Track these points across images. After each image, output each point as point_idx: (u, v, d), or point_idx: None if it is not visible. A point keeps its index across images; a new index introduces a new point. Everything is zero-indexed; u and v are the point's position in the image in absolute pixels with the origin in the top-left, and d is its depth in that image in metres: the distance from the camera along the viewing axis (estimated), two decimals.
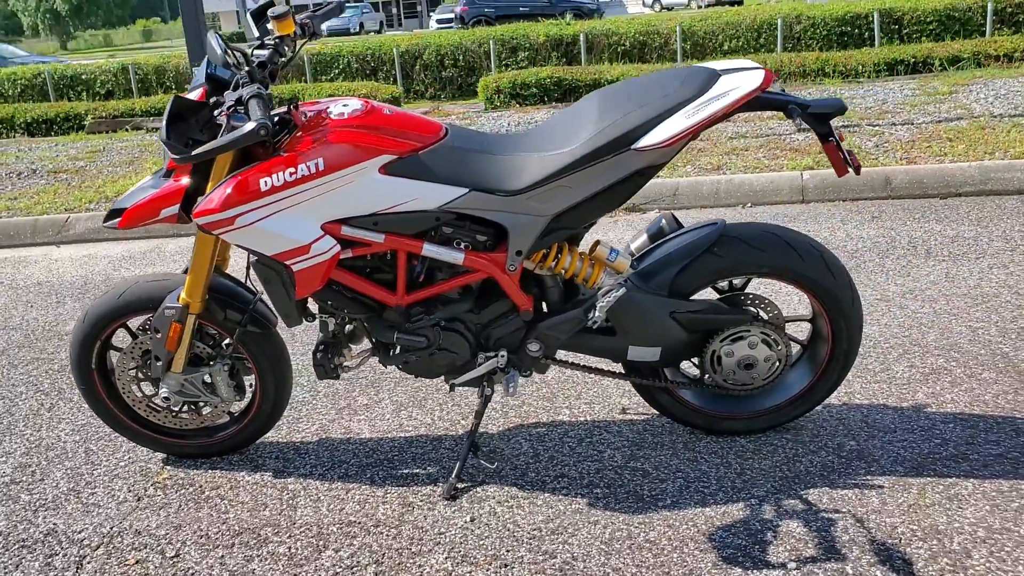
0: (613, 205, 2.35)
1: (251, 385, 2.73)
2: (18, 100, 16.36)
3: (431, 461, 2.69)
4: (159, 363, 2.56)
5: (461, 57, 15.93)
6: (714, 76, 2.25)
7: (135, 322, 2.68)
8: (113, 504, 2.60)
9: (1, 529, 2.52)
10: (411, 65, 16.20)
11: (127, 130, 11.70)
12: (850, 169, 2.31)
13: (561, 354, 2.66)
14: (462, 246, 2.38)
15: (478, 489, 2.52)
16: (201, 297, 2.49)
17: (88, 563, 2.33)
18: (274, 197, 2.22)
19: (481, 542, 2.28)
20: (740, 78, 2.23)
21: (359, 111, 2.29)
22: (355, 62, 16.25)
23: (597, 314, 2.37)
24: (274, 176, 2.21)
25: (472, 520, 2.38)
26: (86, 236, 5.94)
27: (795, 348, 2.76)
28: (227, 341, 2.64)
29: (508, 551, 2.24)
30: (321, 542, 2.34)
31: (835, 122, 2.60)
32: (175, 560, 2.31)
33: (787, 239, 2.43)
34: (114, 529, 2.47)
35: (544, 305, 2.52)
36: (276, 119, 2.04)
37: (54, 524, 2.52)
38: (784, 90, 2.39)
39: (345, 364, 2.61)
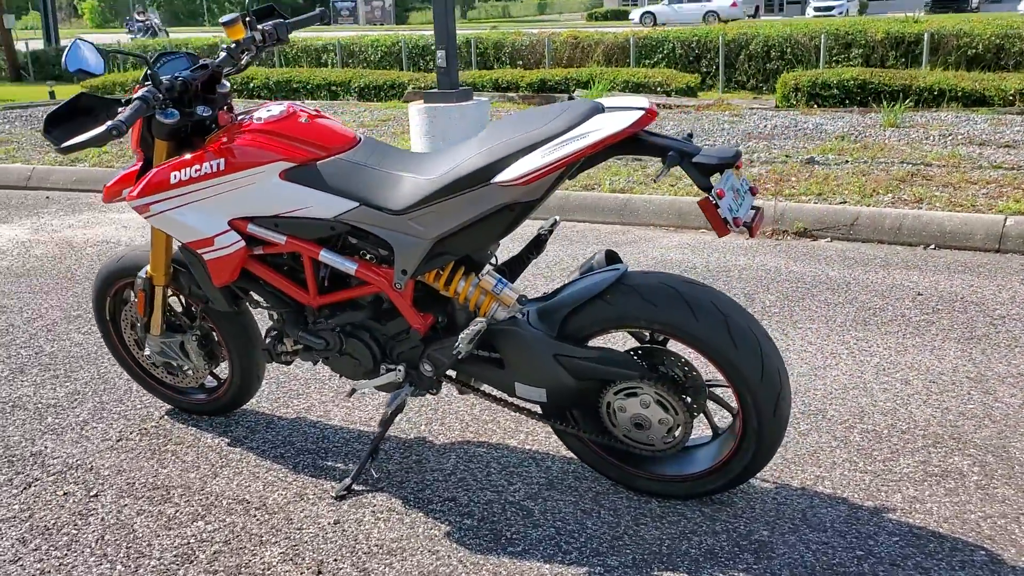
0: (492, 236, 2.26)
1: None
2: (376, 65, 18.08)
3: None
4: (139, 324, 2.88)
5: (788, 50, 15.20)
6: (592, 112, 2.09)
7: None
8: (98, 440, 2.96)
9: (11, 442, 2.97)
10: (736, 55, 15.73)
11: None
12: (733, 229, 2.05)
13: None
14: (367, 257, 2.42)
15: (369, 496, 2.57)
16: (164, 271, 2.75)
17: (34, 486, 2.70)
18: (181, 190, 2.41)
19: (321, 545, 2.34)
20: (611, 118, 2.05)
21: (275, 117, 2.41)
22: (680, 48, 16.11)
23: (459, 345, 2.31)
24: (183, 171, 2.40)
25: (335, 523, 2.44)
26: None
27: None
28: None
29: (335, 560, 2.28)
30: (204, 512, 2.52)
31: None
32: (90, 500, 2.61)
33: (686, 295, 2.20)
34: (77, 462, 2.83)
35: (452, 327, 2.50)
36: (119, 125, 2.17)
37: (44, 447, 2.93)
38: (691, 136, 2.15)
39: (289, 352, 2.75)
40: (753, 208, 2.13)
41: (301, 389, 3.30)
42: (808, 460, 2.66)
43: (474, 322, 2.30)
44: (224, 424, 3.05)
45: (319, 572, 2.24)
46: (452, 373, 2.56)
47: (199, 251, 2.47)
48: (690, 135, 2.15)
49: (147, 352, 2.93)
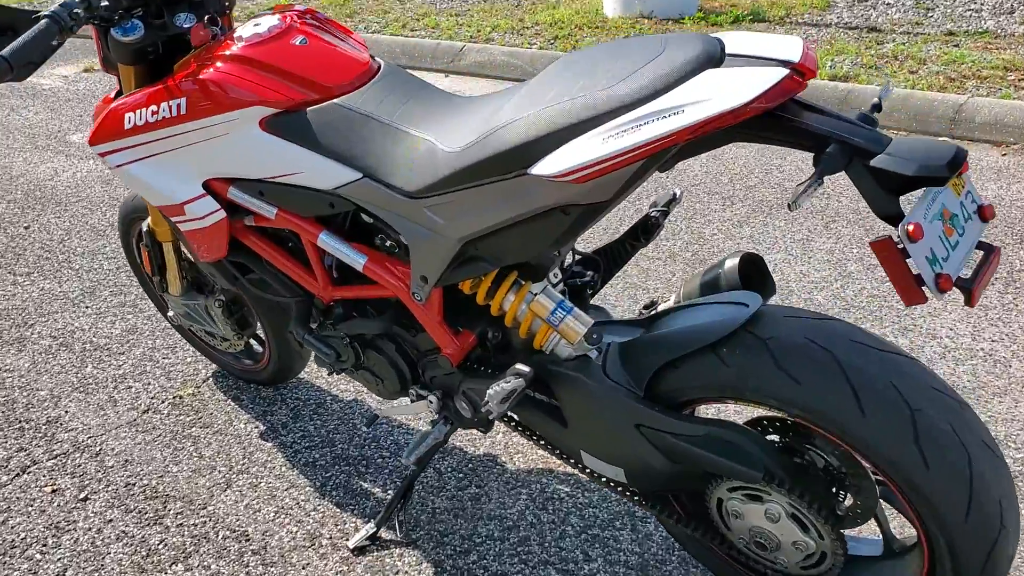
0: (543, 244, 1.43)
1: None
2: None
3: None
4: (153, 282, 2.31)
5: None
6: (702, 63, 1.19)
7: None
8: (123, 410, 2.48)
9: (35, 399, 2.54)
10: None
11: None
12: (933, 295, 1.12)
13: None
14: (388, 245, 1.68)
15: (395, 553, 1.92)
16: (168, 225, 2.13)
17: (30, 471, 2.25)
18: (136, 139, 1.73)
19: None
20: (732, 78, 1.15)
21: (261, 37, 1.66)
22: None
23: (488, 403, 1.54)
24: (137, 113, 1.71)
25: None
26: (472, 69, 5.78)
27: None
28: None
29: None
30: (192, 548, 1.97)
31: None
32: (76, 505, 2.13)
33: (848, 368, 1.30)
34: (87, 442, 2.35)
35: (507, 349, 1.73)
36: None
37: (64, 412, 2.48)
38: (878, 110, 1.21)
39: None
40: (980, 248, 1.20)
41: None
42: None
43: (510, 372, 1.53)
44: (268, 401, 2.48)
45: None
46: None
47: (172, 219, 1.81)
48: (874, 108, 1.21)
49: (170, 314, 2.37)
